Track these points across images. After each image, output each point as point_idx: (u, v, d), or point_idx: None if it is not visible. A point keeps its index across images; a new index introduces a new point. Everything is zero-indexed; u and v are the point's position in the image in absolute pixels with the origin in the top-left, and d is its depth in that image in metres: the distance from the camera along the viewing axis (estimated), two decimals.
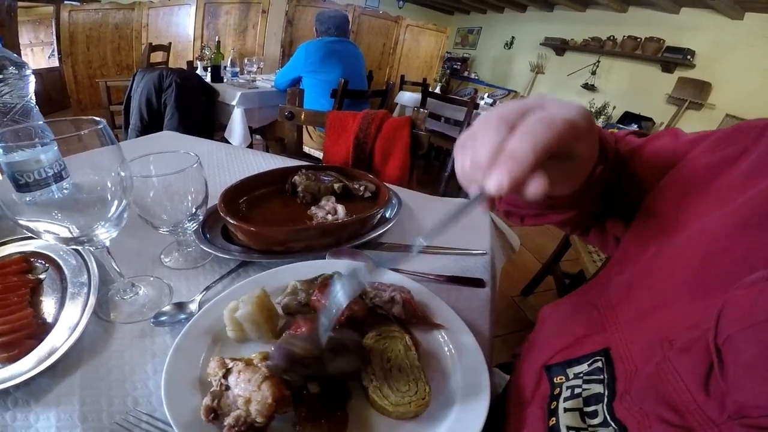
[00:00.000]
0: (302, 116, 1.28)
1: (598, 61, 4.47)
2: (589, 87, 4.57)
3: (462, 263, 0.65)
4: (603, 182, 0.40)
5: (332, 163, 1.26)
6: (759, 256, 0.26)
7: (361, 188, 0.77)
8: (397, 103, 3.46)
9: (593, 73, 4.52)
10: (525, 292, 2.02)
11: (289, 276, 0.51)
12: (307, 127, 2.20)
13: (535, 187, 0.25)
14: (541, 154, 0.24)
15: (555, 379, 0.37)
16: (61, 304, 0.46)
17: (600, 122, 3.91)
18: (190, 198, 0.52)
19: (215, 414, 0.33)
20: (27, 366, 0.37)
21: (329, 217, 0.65)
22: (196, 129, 2.20)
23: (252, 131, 2.52)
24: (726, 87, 3.46)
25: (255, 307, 0.42)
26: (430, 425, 0.37)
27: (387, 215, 0.72)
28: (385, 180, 1.17)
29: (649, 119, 3.93)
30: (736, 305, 0.24)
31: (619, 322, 0.34)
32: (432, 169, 3.64)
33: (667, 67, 3.86)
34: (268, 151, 3.19)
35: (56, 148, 0.47)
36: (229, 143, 2.31)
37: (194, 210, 0.53)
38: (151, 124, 2.12)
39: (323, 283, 0.46)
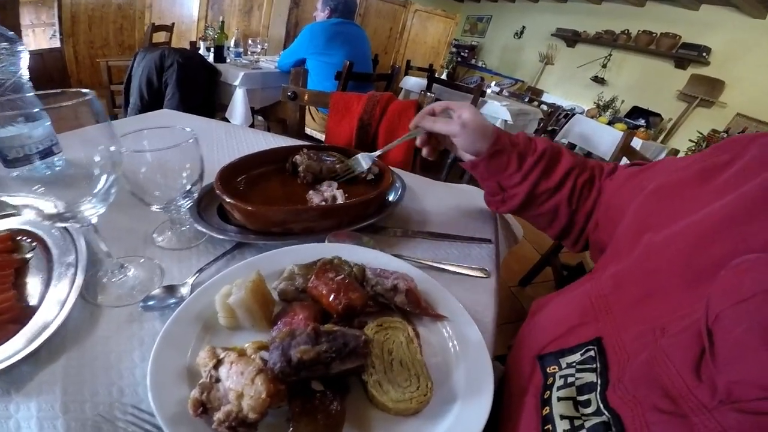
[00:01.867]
0: (305, 96, 1.23)
1: (610, 54, 4.41)
2: (599, 80, 4.52)
3: (466, 251, 0.63)
4: (535, 170, 0.57)
5: (335, 144, 1.22)
6: (746, 246, 0.28)
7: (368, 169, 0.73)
8: (401, 88, 3.39)
9: (604, 66, 4.47)
10: (523, 282, 1.99)
11: (286, 259, 0.48)
12: (309, 109, 2.15)
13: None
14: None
15: (548, 368, 0.37)
16: (46, 286, 0.43)
17: (607, 116, 3.86)
18: (184, 174, 0.49)
19: (204, 408, 0.30)
20: (8, 352, 0.35)
21: (323, 203, 0.62)
22: (197, 109, 2.14)
23: (254, 112, 2.47)
24: (739, 86, 3.42)
25: (249, 293, 0.39)
26: (431, 422, 0.34)
27: (390, 199, 0.69)
28: (388, 163, 1.13)
29: (658, 115, 3.90)
30: (723, 285, 0.26)
31: (612, 312, 0.35)
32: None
33: (681, 63, 3.81)
34: (269, 131, 3.14)
35: (48, 123, 0.45)
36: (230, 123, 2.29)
37: (189, 187, 0.50)
38: (151, 104, 2.08)
39: (322, 268, 0.43)
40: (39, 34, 3.41)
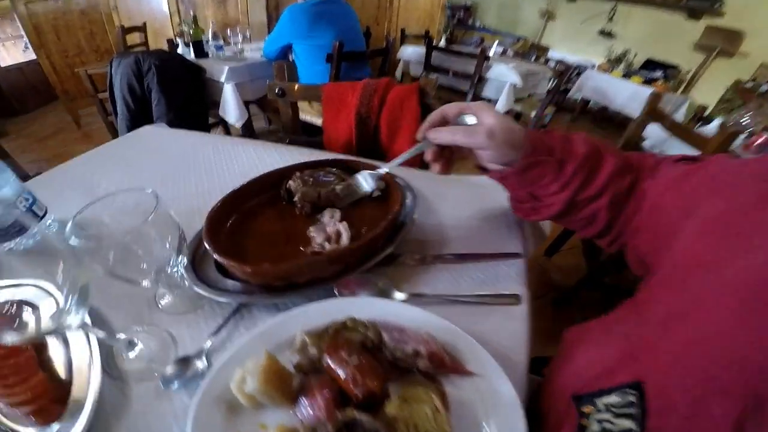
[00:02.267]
0: (294, 91, 1.14)
1: (615, 8, 4.20)
2: (607, 34, 4.35)
3: (493, 273, 0.57)
4: (575, 179, 0.49)
5: (334, 142, 1.15)
6: None
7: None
8: (399, 59, 3.20)
9: (610, 19, 4.28)
10: (549, 252, 1.94)
11: (295, 324, 0.44)
12: None
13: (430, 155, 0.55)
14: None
15: (583, 408, 0.36)
16: (69, 365, 0.43)
17: (620, 69, 3.71)
18: (161, 245, 0.43)
19: None
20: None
21: (326, 244, 0.55)
22: (186, 110, 2.08)
23: (249, 104, 2.38)
24: (762, 35, 3.28)
25: (263, 383, 0.36)
26: None
27: (401, 219, 0.61)
28: (392, 159, 1.05)
29: (675, 66, 3.76)
30: None
31: (656, 354, 0.33)
32: None
33: (693, 14, 3.65)
34: (270, 124, 3.07)
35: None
36: (226, 122, 2.21)
37: (173, 256, 0.44)
38: (138, 111, 2.00)
39: (333, 343, 0.38)
40: (11, 48, 3.34)
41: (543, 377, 0.50)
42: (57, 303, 0.36)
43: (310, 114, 2.15)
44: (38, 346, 0.44)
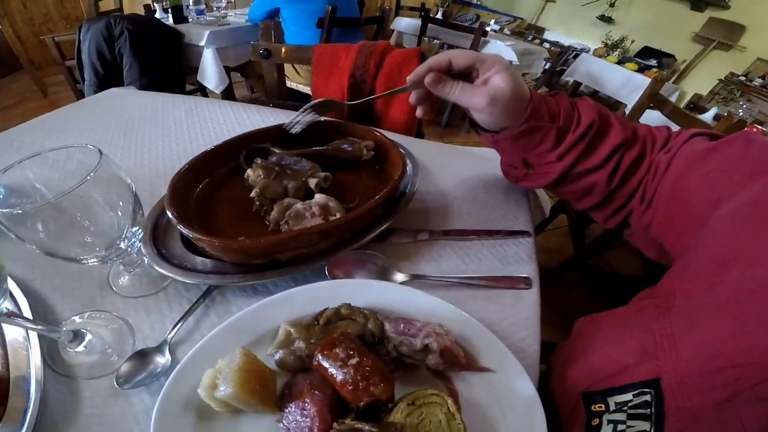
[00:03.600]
0: (282, 52, 1.03)
1: None
2: (606, 19, 4.30)
3: (501, 252, 0.51)
4: (575, 149, 0.44)
5: None
6: None
7: (362, 150, 0.57)
8: (393, 30, 3.06)
9: (611, 5, 4.21)
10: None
11: (278, 313, 0.36)
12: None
13: (428, 78, 0.44)
14: (434, 63, 0.44)
15: (593, 407, 0.34)
16: (5, 357, 0.36)
17: (615, 55, 3.68)
18: (111, 214, 0.34)
19: None
20: None
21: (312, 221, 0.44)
22: (162, 76, 1.94)
23: (231, 70, 2.23)
24: (762, 31, 3.28)
25: (239, 387, 0.29)
26: None
27: (400, 189, 0.53)
28: (388, 127, 0.97)
29: (671, 56, 3.76)
30: None
31: (677, 352, 0.30)
32: None
33: (698, 5, 3.62)
34: (252, 91, 2.92)
35: None
36: (206, 87, 2.07)
37: (126, 227, 0.35)
38: (108, 77, 1.85)
39: (326, 330, 0.30)
40: None
41: (545, 365, 0.45)
42: None
43: (296, 81, 2.01)
44: None
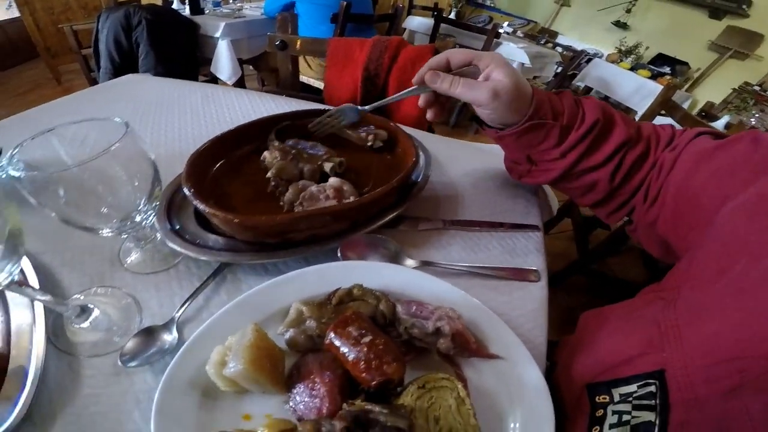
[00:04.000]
0: (297, 44, 1.03)
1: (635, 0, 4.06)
2: (621, 25, 4.24)
3: (510, 244, 0.51)
4: (578, 147, 0.44)
5: (336, 100, 1.05)
6: None
7: (369, 136, 0.58)
8: (405, 29, 3.06)
9: (628, 11, 4.15)
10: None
11: (289, 291, 0.36)
12: (304, 56, 1.91)
13: (428, 75, 0.45)
14: (434, 62, 0.46)
15: (597, 398, 0.34)
16: (6, 333, 0.35)
17: (628, 62, 3.66)
18: (130, 186, 0.34)
19: None
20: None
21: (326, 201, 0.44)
22: (176, 66, 1.95)
23: (244, 62, 2.24)
24: None
25: (250, 364, 0.28)
26: None
27: (413, 177, 0.53)
28: (399, 121, 0.97)
29: (685, 63, 3.72)
30: None
31: (683, 344, 0.30)
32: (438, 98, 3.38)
33: (716, 13, 3.55)
34: (263, 84, 2.94)
35: None
36: (218, 78, 2.09)
37: (143, 200, 0.36)
38: (124, 66, 1.87)
39: (342, 320, 0.30)
40: None
41: (548, 362, 0.46)
42: None
43: (307, 74, 2.02)
44: None
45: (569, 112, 0.44)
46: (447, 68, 0.46)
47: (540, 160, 0.48)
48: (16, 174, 0.29)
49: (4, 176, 0.30)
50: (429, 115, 0.51)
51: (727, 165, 0.38)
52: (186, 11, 2.14)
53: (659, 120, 1.76)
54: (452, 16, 3.44)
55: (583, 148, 0.44)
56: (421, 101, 0.49)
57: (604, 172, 0.45)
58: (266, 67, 2.37)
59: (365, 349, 0.28)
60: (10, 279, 0.30)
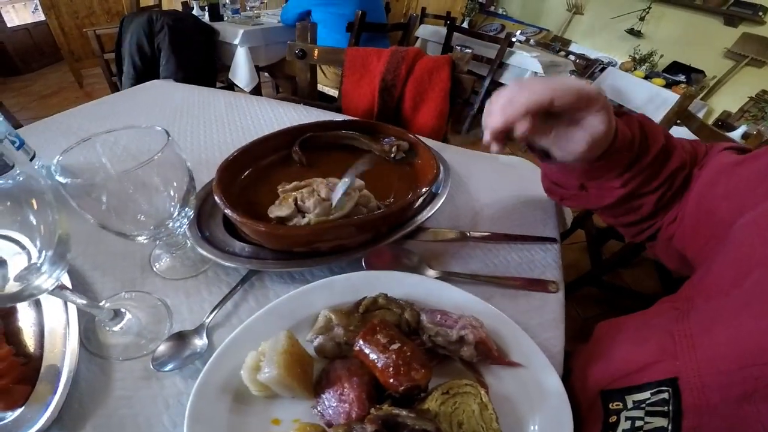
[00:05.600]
0: (315, 54, 1.05)
1: (649, 7, 4.02)
2: (635, 33, 4.19)
3: (528, 257, 0.52)
4: (641, 175, 0.41)
5: (353, 110, 1.07)
6: None
7: (392, 147, 0.59)
8: (417, 37, 3.08)
9: (641, 19, 4.10)
10: None
11: (318, 298, 0.37)
12: (320, 65, 1.95)
13: (521, 126, 0.34)
14: (533, 103, 0.33)
15: (611, 404, 0.34)
16: (40, 335, 0.37)
17: (643, 70, 3.66)
18: (166, 194, 0.36)
19: None
20: (30, 420, 0.30)
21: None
22: (196, 72, 2.00)
23: (260, 69, 2.28)
24: None
25: (282, 369, 0.30)
26: None
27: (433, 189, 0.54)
28: (415, 131, 0.98)
29: (701, 71, 3.66)
30: None
31: (696, 352, 0.31)
32: (453, 107, 3.38)
33: (731, 21, 3.49)
34: (278, 91, 2.98)
35: None
36: (235, 85, 2.13)
37: (177, 207, 0.37)
38: (146, 71, 1.92)
39: (370, 327, 0.31)
40: (20, 10, 3.30)
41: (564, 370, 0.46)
42: (30, 259, 0.29)
43: (322, 83, 2.05)
44: (4, 312, 0.38)
45: (640, 140, 0.40)
46: (549, 109, 0.35)
47: (593, 187, 0.44)
48: (63, 180, 0.30)
49: (22, 179, 0.31)
50: (495, 148, 0.38)
51: (747, 179, 0.37)
52: (206, 18, 2.19)
53: (674, 130, 1.75)
54: (465, 24, 3.46)
55: (645, 176, 0.41)
56: (487, 136, 0.38)
57: (653, 198, 0.43)
58: (282, 75, 2.41)
59: (393, 356, 0.29)
60: (56, 283, 0.31)
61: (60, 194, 0.31)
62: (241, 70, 2.05)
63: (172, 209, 0.38)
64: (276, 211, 0.43)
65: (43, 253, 0.29)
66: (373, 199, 0.47)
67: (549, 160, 0.43)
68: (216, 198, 0.41)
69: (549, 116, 0.36)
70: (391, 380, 0.28)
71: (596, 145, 0.37)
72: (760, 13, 3.30)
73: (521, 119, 0.34)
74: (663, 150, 0.41)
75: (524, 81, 0.35)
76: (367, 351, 0.30)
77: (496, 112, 0.35)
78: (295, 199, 0.43)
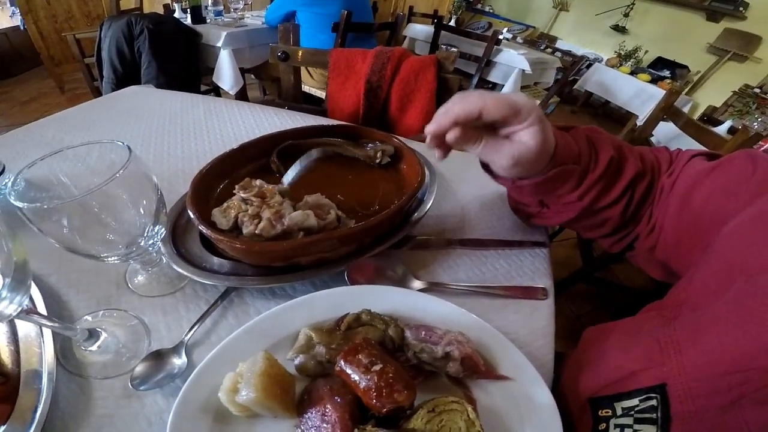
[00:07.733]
0: (299, 56, 1.04)
1: (633, 3, 4.09)
2: (620, 29, 4.27)
3: (517, 262, 0.51)
4: (595, 187, 0.42)
5: (338, 112, 1.05)
6: None
7: (377, 153, 0.57)
8: (405, 36, 3.07)
9: (626, 15, 4.17)
10: None
11: (298, 316, 0.36)
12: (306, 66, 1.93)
13: (450, 134, 0.37)
14: (463, 113, 0.36)
15: (600, 412, 0.34)
16: (17, 353, 0.36)
17: (628, 66, 3.70)
18: (134, 211, 0.34)
19: None
20: None
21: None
22: (178, 76, 1.96)
23: (245, 71, 2.25)
24: None
25: (261, 392, 0.28)
26: None
27: (419, 196, 0.53)
28: (401, 133, 0.97)
29: (685, 66, 3.72)
30: None
31: (683, 358, 0.31)
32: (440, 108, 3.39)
33: (713, 16, 3.57)
34: (265, 93, 2.95)
35: None
36: (220, 88, 2.10)
37: (148, 225, 0.35)
38: (126, 75, 1.88)
39: (352, 347, 0.30)
40: None
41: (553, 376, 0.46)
42: None
43: (309, 84, 2.03)
44: None
45: (587, 153, 0.42)
46: (477, 120, 0.37)
47: (554, 203, 0.46)
48: (19, 204, 0.29)
49: (1, 197, 0.29)
50: (439, 155, 0.43)
51: (725, 186, 0.38)
52: (188, 20, 2.15)
53: (661, 125, 1.75)
54: (452, 22, 3.46)
55: (600, 188, 0.42)
56: (429, 142, 0.41)
57: (617, 209, 0.44)
58: (268, 77, 2.38)
59: (376, 377, 0.28)
60: (17, 309, 0.29)
61: (17, 217, 0.29)
62: (225, 72, 2.02)
63: (143, 227, 0.36)
64: (218, 216, 0.42)
65: (1, 280, 0.28)
66: (333, 209, 0.43)
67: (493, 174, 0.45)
68: (190, 213, 0.40)
69: (488, 128, 0.39)
70: (374, 401, 0.27)
71: (525, 160, 0.38)
72: (741, 9, 3.37)
73: (452, 128, 0.37)
74: (613, 161, 0.42)
75: (466, 93, 0.38)
76: (349, 371, 0.29)
77: (433, 120, 0.39)
78: (236, 216, 0.41)
